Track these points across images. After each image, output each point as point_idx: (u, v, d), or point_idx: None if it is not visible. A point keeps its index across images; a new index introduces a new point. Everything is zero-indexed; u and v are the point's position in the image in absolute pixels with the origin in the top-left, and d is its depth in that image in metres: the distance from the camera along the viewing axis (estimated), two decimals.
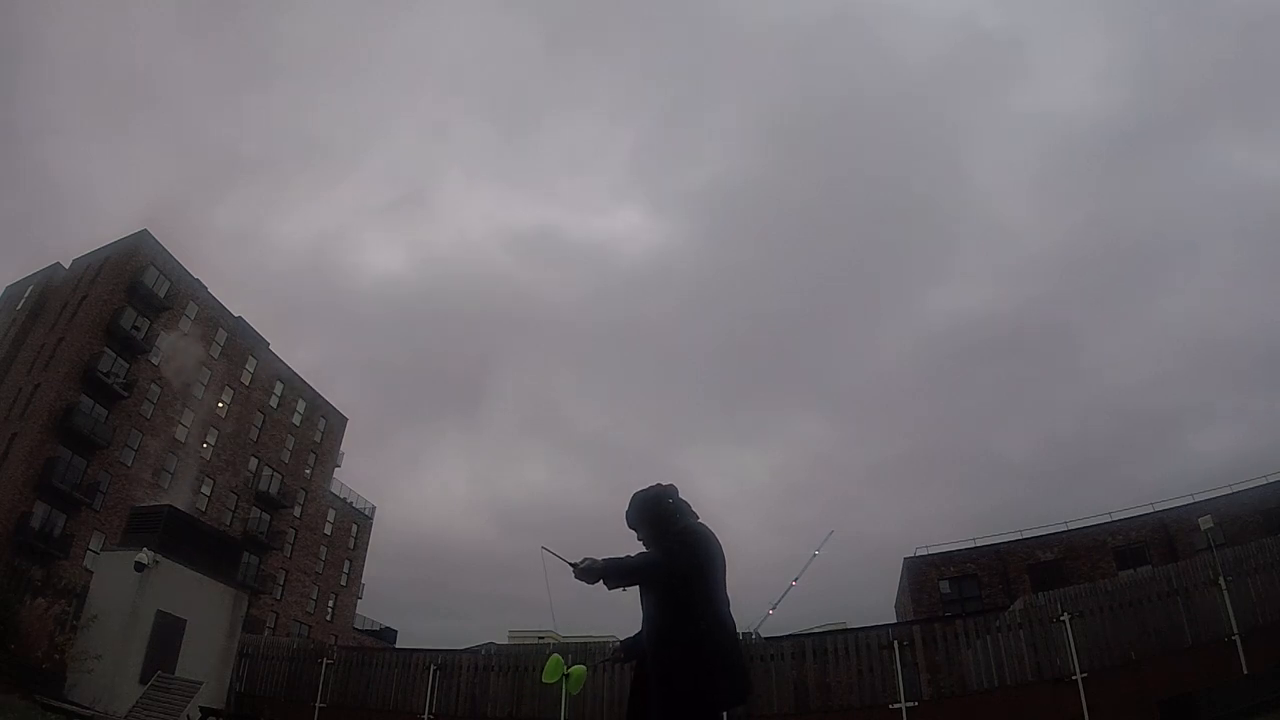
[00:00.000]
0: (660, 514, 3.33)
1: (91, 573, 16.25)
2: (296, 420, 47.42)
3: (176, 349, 35.86)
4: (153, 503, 30.03)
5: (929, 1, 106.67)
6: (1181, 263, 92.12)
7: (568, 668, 3.25)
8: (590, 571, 3.01)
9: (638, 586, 3.20)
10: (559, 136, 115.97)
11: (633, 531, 3.42)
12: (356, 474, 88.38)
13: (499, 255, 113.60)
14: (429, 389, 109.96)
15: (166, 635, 12.82)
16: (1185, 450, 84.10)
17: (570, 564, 3.07)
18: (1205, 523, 18.72)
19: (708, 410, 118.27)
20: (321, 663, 15.18)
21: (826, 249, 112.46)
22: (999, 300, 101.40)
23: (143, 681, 11.34)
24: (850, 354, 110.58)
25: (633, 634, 3.40)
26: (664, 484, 3.45)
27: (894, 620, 25.69)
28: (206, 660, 13.38)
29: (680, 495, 3.43)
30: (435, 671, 14.32)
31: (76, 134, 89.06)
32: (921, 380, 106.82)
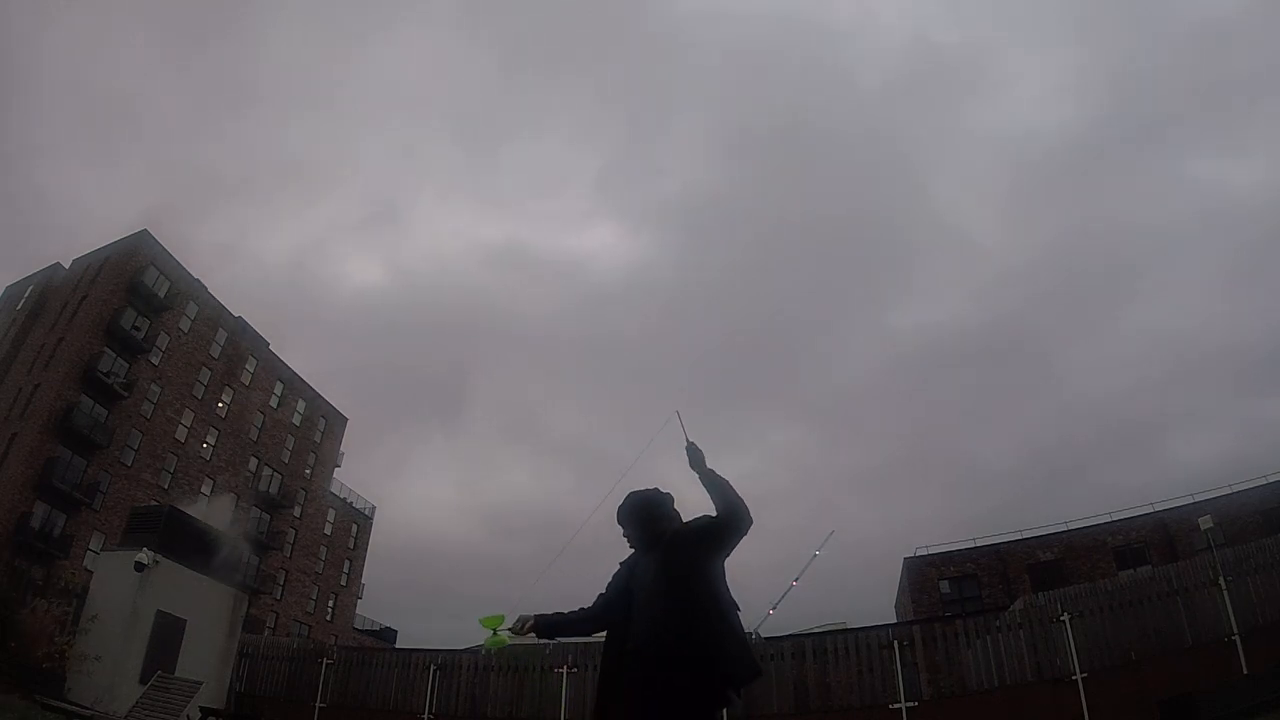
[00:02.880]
0: (665, 514, 3.31)
1: (91, 573, 16.25)
2: (296, 420, 47.41)
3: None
4: (153, 503, 30.09)
5: (881, 18, 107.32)
6: (1156, 272, 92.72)
7: (511, 635, 3.29)
8: (698, 456, 3.28)
9: (650, 543, 3.24)
10: (525, 157, 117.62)
11: (621, 528, 3.37)
12: (356, 475, 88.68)
13: (474, 270, 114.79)
14: (413, 397, 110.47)
15: (166, 635, 12.83)
16: (1168, 456, 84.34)
17: (689, 439, 3.35)
18: (1205, 523, 18.78)
19: (689, 416, 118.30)
20: (321, 663, 15.19)
21: (804, 259, 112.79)
22: (976, 311, 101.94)
23: (143, 681, 11.35)
24: (831, 361, 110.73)
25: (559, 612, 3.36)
26: (662, 490, 3.45)
27: (894, 620, 25.69)
28: (206, 660, 13.39)
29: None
30: (435, 671, 14.34)
31: (65, 155, 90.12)
32: (906, 388, 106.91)
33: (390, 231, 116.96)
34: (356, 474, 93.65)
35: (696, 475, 3.32)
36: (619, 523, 3.36)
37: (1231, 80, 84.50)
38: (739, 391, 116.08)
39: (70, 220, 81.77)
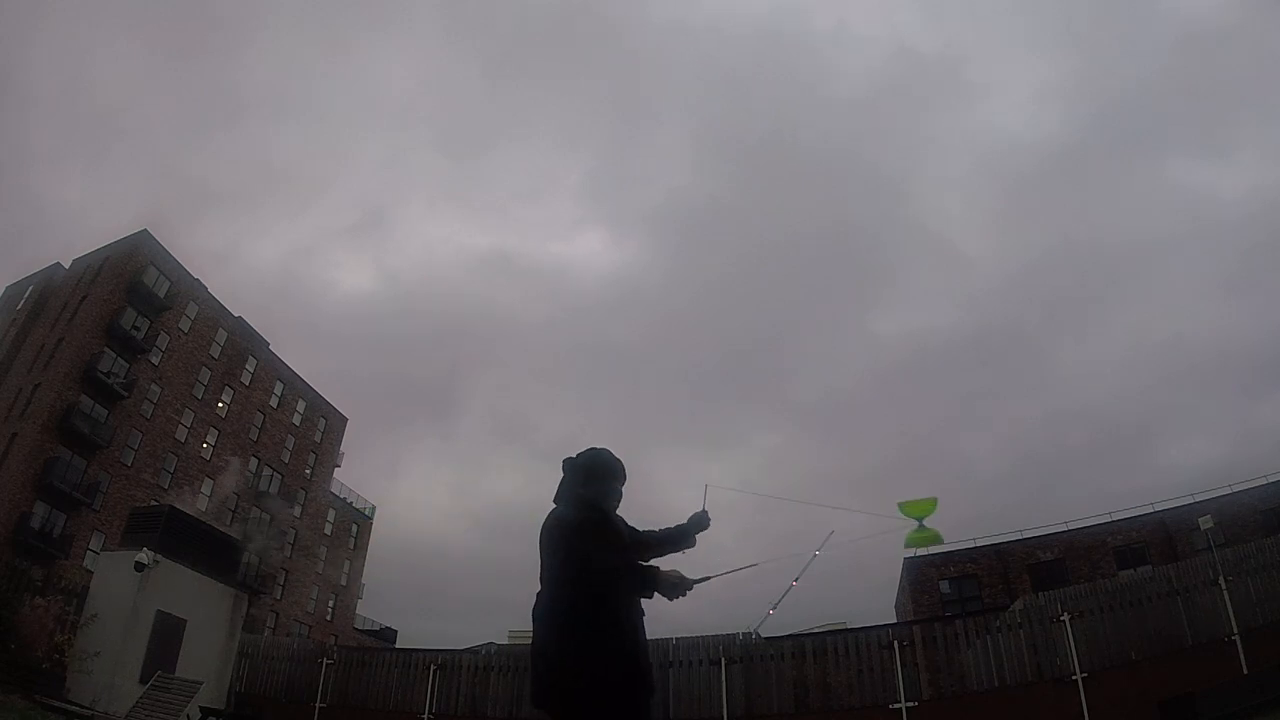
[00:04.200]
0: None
1: (91, 573, 16.25)
2: (296, 420, 47.41)
3: None
4: (153, 503, 30.09)
5: (863, 28, 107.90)
6: (1144, 278, 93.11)
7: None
8: (703, 528, 3.28)
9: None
10: (512, 165, 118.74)
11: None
12: (355, 475, 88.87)
13: (464, 276, 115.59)
14: (408, 401, 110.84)
15: (166, 635, 12.83)
16: (1162, 460, 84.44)
17: (706, 513, 3.30)
18: (1205, 523, 18.73)
19: (675, 420, 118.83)
20: (321, 663, 15.18)
21: (794, 265, 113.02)
22: (967, 316, 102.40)
23: (143, 681, 11.36)
24: (824, 365, 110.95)
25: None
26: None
27: (894, 620, 25.68)
28: (206, 660, 13.39)
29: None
30: (435, 671, 14.32)
31: (58, 165, 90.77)
32: (901, 393, 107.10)
33: (379, 238, 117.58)
34: (356, 474, 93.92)
35: (691, 530, 3.26)
36: (623, 477, 3.18)
37: (1220, 86, 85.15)
38: (730, 395, 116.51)
39: (63, 229, 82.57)
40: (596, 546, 2.78)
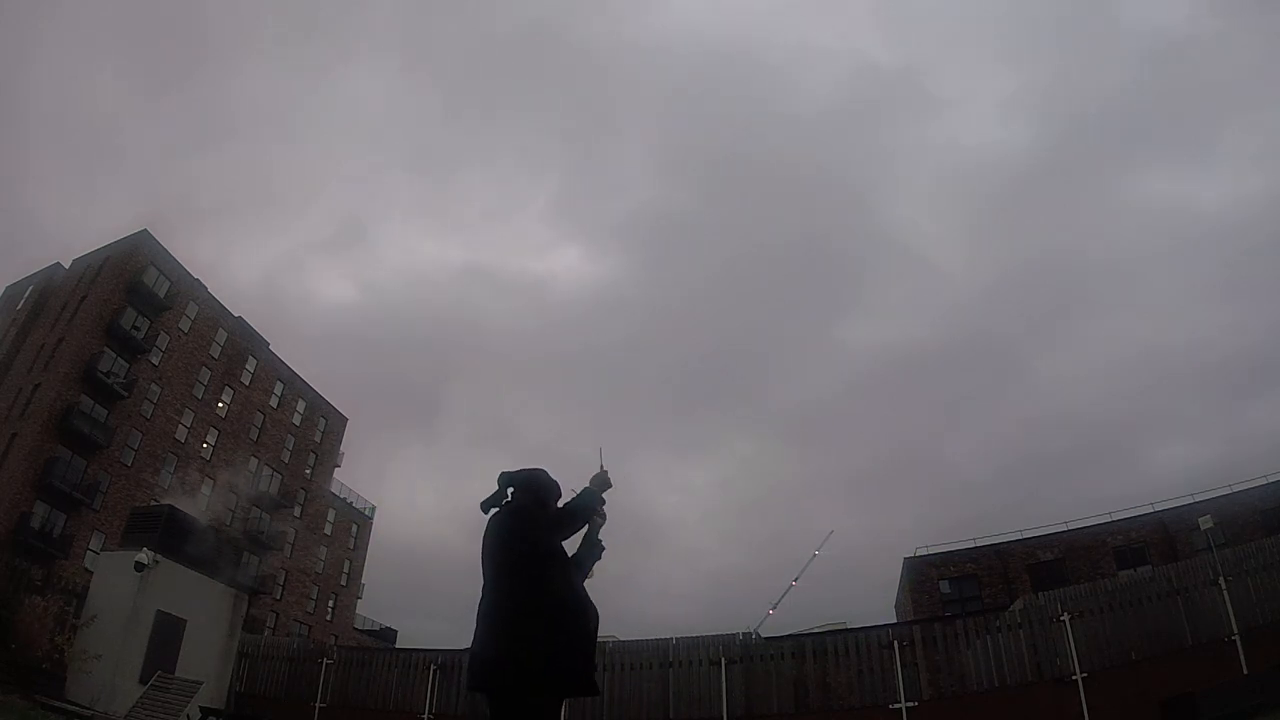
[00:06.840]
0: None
1: (91, 573, 16.25)
2: (296, 420, 47.39)
3: None
4: (153, 503, 30.08)
5: (823, 44, 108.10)
6: (1123, 286, 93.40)
7: None
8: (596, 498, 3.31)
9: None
10: (483, 185, 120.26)
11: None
12: (355, 475, 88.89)
13: (445, 289, 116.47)
14: (402, 403, 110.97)
15: (166, 635, 12.83)
16: (1153, 466, 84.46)
17: (605, 472, 3.35)
18: (1205, 523, 18.74)
19: (660, 427, 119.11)
20: (321, 663, 15.19)
21: (772, 277, 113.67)
22: (953, 325, 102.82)
23: (143, 681, 11.36)
24: (795, 374, 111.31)
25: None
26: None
27: (894, 620, 25.68)
28: (206, 660, 13.39)
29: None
30: (435, 671, 14.32)
31: (50, 182, 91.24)
32: (896, 397, 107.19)
33: (360, 252, 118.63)
34: (356, 475, 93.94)
35: (591, 493, 3.31)
36: (554, 489, 3.32)
37: (1193, 96, 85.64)
38: (708, 401, 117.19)
39: (58, 235, 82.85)
40: (536, 522, 3.06)
